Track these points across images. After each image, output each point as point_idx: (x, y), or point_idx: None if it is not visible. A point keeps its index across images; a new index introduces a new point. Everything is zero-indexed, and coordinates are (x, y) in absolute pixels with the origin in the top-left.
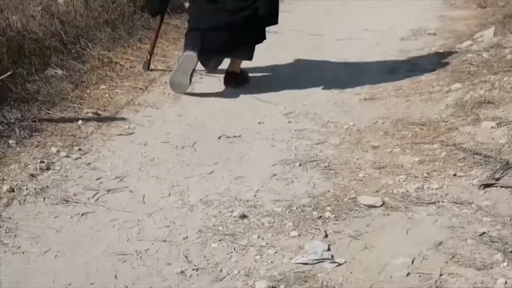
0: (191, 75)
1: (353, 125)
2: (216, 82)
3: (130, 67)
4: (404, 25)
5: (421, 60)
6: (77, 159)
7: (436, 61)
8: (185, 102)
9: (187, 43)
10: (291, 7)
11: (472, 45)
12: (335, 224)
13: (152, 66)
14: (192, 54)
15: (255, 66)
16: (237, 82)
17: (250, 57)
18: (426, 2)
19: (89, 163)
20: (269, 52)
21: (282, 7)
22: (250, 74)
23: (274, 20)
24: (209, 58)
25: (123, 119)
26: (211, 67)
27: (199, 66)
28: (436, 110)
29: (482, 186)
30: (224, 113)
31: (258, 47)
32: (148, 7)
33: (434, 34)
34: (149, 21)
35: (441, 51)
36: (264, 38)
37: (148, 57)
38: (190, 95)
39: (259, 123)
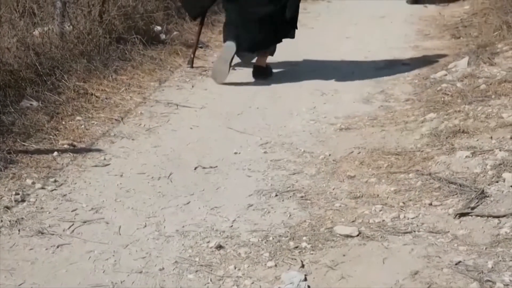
0: (230, 63)
1: (329, 155)
2: (192, 113)
3: (106, 98)
4: (379, 55)
5: (396, 90)
6: (52, 190)
7: (410, 91)
8: (161, 133)
9: (226, 36)
10: None
11: (446, 75)
12: (312, 254)
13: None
14: (232, 44)
15: (230, 97)
16: (265, 75)
17: (273, 53)
18: (401, 32)
19: (65, 195)
20: (244, 81)
21: None
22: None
23: (292, 34)
24: (243, 51)
25: (98, 150)
26: (246, 60)
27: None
28: (411, 140)
29: (457, 215)
30: (200, 144)
31: (235, 75)
32: (189, 11)
33: (409, 64)
34: (124, 53)
35: (416, 81)
36: (291, 37)
37: (192, 56)
38: (165, 127)
39: (235, 153)
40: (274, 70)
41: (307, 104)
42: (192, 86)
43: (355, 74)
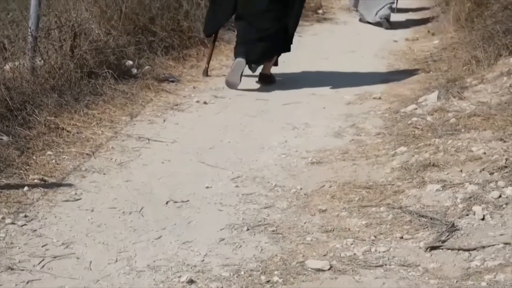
0: (241, 75)
1: (301, 189)
2: (163, 147)
3: (77, 132)
4: (349, 89)
5: (367, 124)
6: (22, 226)
7: (381, 125)
8: (132, 168)
9: (237, 53)
10: None
11: (416, 109)
12: None
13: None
14: (242, 60)
15: (202, 131)
16: (269, 81)
17: (276, 64)
18: (371, 66)
19: (35, 230)
20: (216, 116)
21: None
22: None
23: (287, 48)
24: (252, 63)
25: (69, 185)
26: (254, 70)
27: None
28: (382, 173)
29: (428, 249)
30: (172, 178)
31: (203, 114)
32: (205, 28)
33: (379, 98)
34: (96, 87)
35: (386, 115)
36: (288, 51)
37: (207, 66)
38: (137, 161)
39: (207, 187)
40: (246, 103)
41: (278, 138)
42: (164, 121)
43: (326, 109)
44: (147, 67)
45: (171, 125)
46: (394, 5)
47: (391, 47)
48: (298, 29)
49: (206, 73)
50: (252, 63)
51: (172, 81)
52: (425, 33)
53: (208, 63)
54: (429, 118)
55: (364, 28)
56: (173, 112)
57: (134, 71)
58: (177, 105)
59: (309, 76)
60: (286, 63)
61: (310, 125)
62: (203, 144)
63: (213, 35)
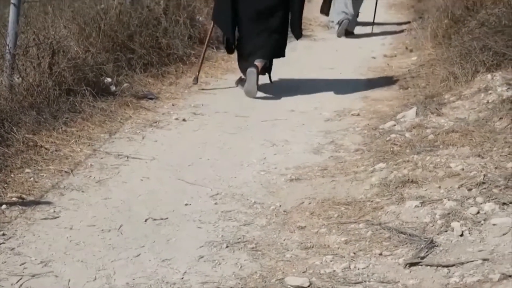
0: (257, 83)
1: (280, 205)
2: (142, 164)
3: (56, 150)
4: (328, 106)
5: (346, 140)
6: (0, 244)
7: (360, 141)
8: (111, 185)
9: (245, 66)
10: (217, 89)
11: (395, 125)
12: None
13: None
14: (253, 70)
15: (181, 148)
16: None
17: (266, 72)
18: (350, 83)
19: (13, 248)
20: (195, 133)
21: (207, 89)
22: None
23: (283, 53)
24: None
25: (48, 203)
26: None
27: None
28: (361, 190)
29: (407, 265)
30: (151, 196)
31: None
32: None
33: (358, 114)
34: (74, 104)
35: (365, 131)
36: (282, 56)
37: (197, 73)
38: (115, 179)
39: (186, 205)
40: (225, 120)
41: (258, 155)
42: (143, 138)
43: (305, 125)
44: (125, 84)
45: (150, 142)
46: (349, 17)
47: (369, 63)
48: None
49: (196, 80)
50: (258, 58)
51: (151, 98)
52: (403, 50)
53: (199, 71)
54: (407, 134)
55: (342, 45)
56: (152, 129)
57: (113, 88)
58: (156, 122)
59: (288, 93)
60: (266, 79)
61: (289, 142)
62: (182, 161)
63: (206, 41)
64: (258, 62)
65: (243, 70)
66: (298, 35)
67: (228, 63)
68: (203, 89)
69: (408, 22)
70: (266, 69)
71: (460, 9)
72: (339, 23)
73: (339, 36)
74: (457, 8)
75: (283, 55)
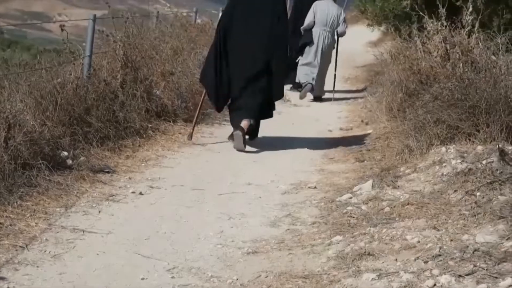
0: (244, 143)
1: (237, 279)
2: (98, 238)
3: (10, 224)
4: (285, 179)
5: (303, 213)
6: None
7: (317, 214)
8: (67, 260)
9: (234, 124)
10: (174, 162)
11: (351, 198)
12: None
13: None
14: (238, 133)
15: (137, 222)
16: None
17: (255, 136)
18: (306, 156)
19: None
20: (152, 206)
21: (164, 162)
22: None
23: (270, 113)
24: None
25: (2, 278)
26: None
27: None
28: (318, 263)
29: None
30: (107, 270)
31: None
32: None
33: (315, 187)
34: (30, 178)
35: (322, 204)
36: (271, 116)
37: (191, 130)
38: (71, 253)
39: (142, 279)
40: (182, 193)
41: (214, 228)
42: (99, 212)
43: (262, 198)
44: (82, 158)
45: (106, 216)
46: (312, 82)
47: (326, 136)
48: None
49: (190, 137)
50: (247, 117)
51: (108, 172)
52: (359, 123)
53: (194, 128)
54: (364, 207)
55: (299, 118)
56: (108, 203)
57: (69, 162)
58: (112, 196)
59: (245, 166)
60: (222, 152)
61: (246, 215)
62: (138, 235)
63: (202, 98)
64: (244, 122)
65: (233, 127)
66: (278, 95)
67: (185, 137)
68: (159, 163)
69: (364, 96)
70: (253, 130)
71: (414, 83)
72: (303, 86)
73: (301, 98)
74: (411, 82)
75: (271, 116)
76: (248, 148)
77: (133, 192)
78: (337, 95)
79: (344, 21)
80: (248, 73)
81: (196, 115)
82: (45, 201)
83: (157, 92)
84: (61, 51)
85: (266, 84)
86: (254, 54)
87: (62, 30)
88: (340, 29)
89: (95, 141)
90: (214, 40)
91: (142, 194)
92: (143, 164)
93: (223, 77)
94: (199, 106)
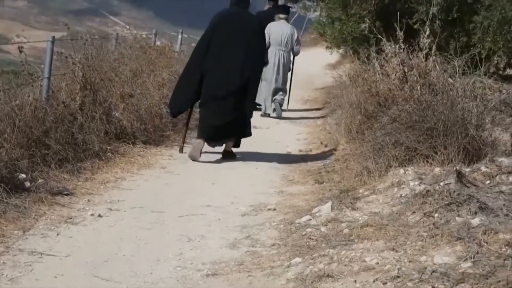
0: (200, 152)
1: None
2: (57, 261)
3: None
4: (245, 200)
5: (262, 235)
6: None
7: (276, 236)
8: (24, 283)
9: (199, 134)
10: (134, 184)
11: (310, 219)
12: None
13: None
14: (201, 141)
15: (96, 244)
16: (231, 157)
17: (238, 145)
18: (266, 177)
19: None
20: (111, 229)
21: (124, 185)
22: None
23: (248, 132)
24: (213, 142)
25: None
26: (213, 146)
27: None
28: (278, 285)
29: None
30: None
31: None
32: (171, 109)
33: (274, 209)
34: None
35: (281, 226)
36: (249, 135)
37: (182, 144)
38: (29, 276)
39: None
40: (142, 215)
41: (174, 250)
42: (57, 234)
43: (221, 220)
44: (40, 180)
45: (64, 238)
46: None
47: (285, 158)
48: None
49: (181, 150)
50: (212, 141)
51: (66, 194)
52: (318, 145)
53: (184, 142)
54: (323, 228)
55: (258, 140)
56: (67, 226)
57: (27, 184)
58: (71, 218)
59: (204, 188)
60: (182, 174)
61: (205, 237)
62: (97, 258)
63: (188, 115)
64: (227, 143)
65: (199, 135)
66: (249, 114)
67: (144, 159)
68: (118, 185)
69: (323, 117)
70: (230, 154)
71: (372, 105)
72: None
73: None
74: (370, 104)
75: (250, 134)
76: (206, 169)
77: (92, 215)
78: (295, 115)
79: (298, 40)
80: (222, 91)
81: (185, 129)
82: (2, 223)
83: (116, 114)
84: (19, 73)
85: (244, 104)
86: (229, 77)
87: (20, 51)
88: (295, 48)
89: (53, 163)
90: (188, 62)
91: (101, 217)
92: (102, 187)
93: (193, 89)
94: (187, 120)
